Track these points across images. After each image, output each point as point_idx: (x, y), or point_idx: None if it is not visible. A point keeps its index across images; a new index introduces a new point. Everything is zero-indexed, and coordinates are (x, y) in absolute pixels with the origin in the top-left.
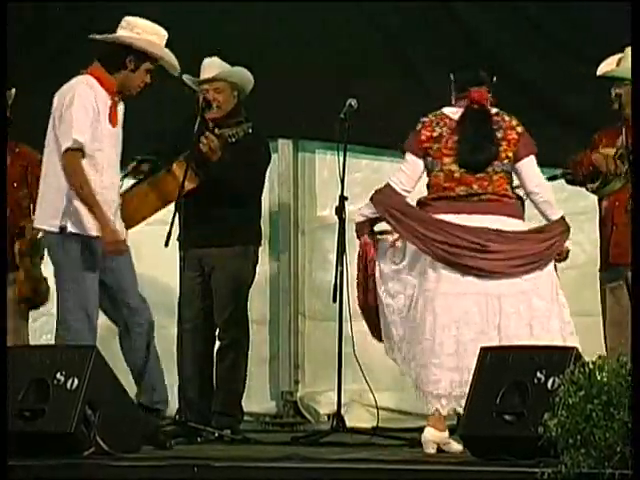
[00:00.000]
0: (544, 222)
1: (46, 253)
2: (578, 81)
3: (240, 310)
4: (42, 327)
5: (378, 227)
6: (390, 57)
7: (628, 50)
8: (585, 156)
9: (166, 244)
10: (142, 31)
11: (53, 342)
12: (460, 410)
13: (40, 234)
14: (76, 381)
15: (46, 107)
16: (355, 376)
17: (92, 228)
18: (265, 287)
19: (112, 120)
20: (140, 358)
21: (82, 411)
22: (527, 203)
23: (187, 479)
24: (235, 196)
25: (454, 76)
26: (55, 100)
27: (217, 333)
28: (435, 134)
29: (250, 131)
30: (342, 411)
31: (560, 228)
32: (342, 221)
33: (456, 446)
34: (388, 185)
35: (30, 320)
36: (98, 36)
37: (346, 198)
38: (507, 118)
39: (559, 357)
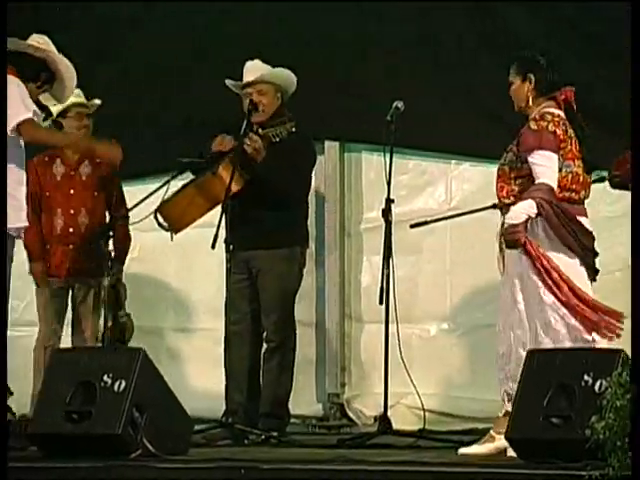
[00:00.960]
0: None
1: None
2: (618, 82)
3: (287, 312)
4: None
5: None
6: (436, 59)
7: None
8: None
9: (213, 246)
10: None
11: None
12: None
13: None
14: (123, 383)
15: None
16: (401, 378)
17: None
18: (312, 289)
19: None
20: None
21: (129, 413)
22: None
23: None
24: (280, 197)
25: (539, 75)
26: None
27: (264, 335)
28: (567, 135)
29: (293, 130)
30: (388, 413)
31: None
32: (389, 223)
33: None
34: (544, 184)
35: None
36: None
37: (392, 200)
38: None
39: (606, 359)
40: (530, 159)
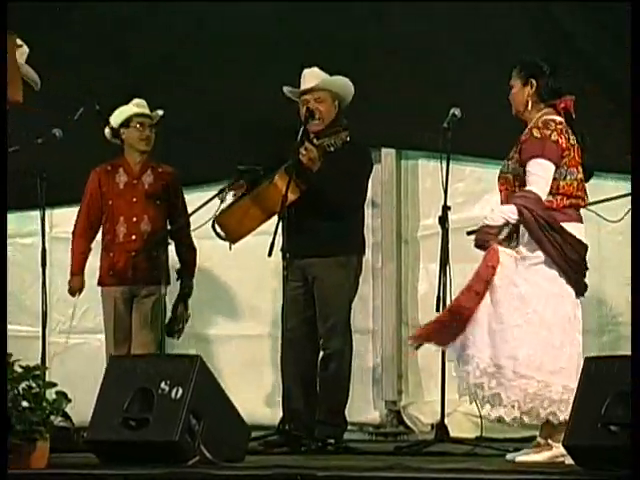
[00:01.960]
0: None
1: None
2: None
3: (343, 319)
4: None
5: None
6: (495, 65)
7: None
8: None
9: (269, 254)
10: None
11: None
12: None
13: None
14: (180, 390)
15: None
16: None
17: None
18: (368, 297)
19: None
20: None
21: (186, 420)
22: None
23: None
24: (336, 206)
25: (541, 81)
26: None
27: (320, 342)
28: (570, 143)
29: (348, 139)
30: (445, 420)
31: None
32: (445, 230)
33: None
34: (532, 192)
35: None
36: None
37: (449, 207)
38: None
39: None
40: (527, 167)
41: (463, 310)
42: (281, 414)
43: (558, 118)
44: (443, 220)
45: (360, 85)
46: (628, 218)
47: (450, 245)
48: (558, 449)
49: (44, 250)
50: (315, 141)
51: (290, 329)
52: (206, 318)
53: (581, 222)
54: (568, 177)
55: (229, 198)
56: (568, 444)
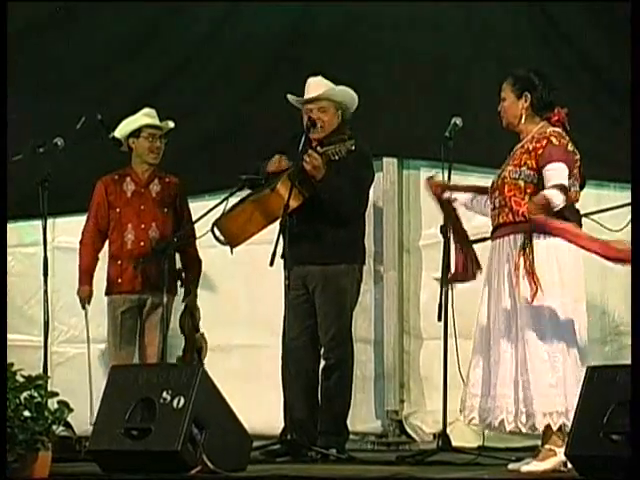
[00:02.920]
0: None
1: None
2: None
3: (345, 329)
4: None
5: None
6: (496, 75)
7: None
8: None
9: (271, 263)
10: None
11: None
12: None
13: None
14: (182, 400)
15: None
16: (460, 395)
17: None
18: (370, 306)
19: None
20: None
21: (188, 430)
22: None
23: None
24: (339, 214)
25: (536, 94)
26: None
27: (322, 352)
28: (577, 156)
29: (353, 148)
30: (447, 430)
31: None
32: (447, 240)
33: None
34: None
35: None
36: None
37: None
38: None
39: None
40: (549, 169)
41: None
42: (283, 424)
43: (559, 130)
44: (445, 229)
45: (363, 94)
46: (630, 227)
47: (451, 254)
48: (562, 455)
49: (46, 259)
50: (319, 149)
51: (292, 338)
52: (208, 327)
53: None
54: (572, 188)
55: (230, 204)
56: (570, 453)
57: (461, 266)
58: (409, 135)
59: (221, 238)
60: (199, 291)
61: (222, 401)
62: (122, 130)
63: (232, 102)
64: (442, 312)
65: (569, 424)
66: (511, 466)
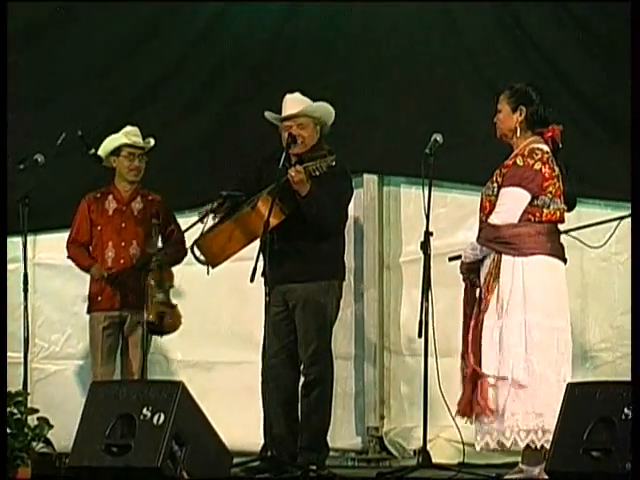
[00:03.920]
0: None
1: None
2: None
3: (325, 345)
4: None
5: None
6: (476, 92)
7: None
8: None
9: (251, 280)
10: None
11: None
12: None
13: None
14: (162, 416)
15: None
16: (440, 412)
17: None
18: (350, 322)
19: None
20: None
21: (169, 446)
22: None
23: None
24: (319, 231)
25: (531, 109)
26: None
27: (302, 368)
28: (555, 173)
29: (333, 164)
30: (428, 447)
31: None
32: (427, 256)
33: None
34: (492, 225)
35: None
36: None
37: (431, 233)
38: None
39: None
40: (500, 192)
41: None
42: (263, 440)
43: (545, 147)
44: (425, 246)
45: (343, 110)
46: (610, 244)
47: (432, 270)
48: (542, 474)
49: (26, 276)
50: (298, 167)
51: (271, 355)
52: (188, 344)
53: (554, 255)
54: (552, 206)
55: (210, 222)
56: (550, 469)
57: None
58: (389, 151)
59: (201, 258)
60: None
61: (202, 418)
62: (104, 148)
63: (211, 118)
64: (422, 329)
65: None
66: None
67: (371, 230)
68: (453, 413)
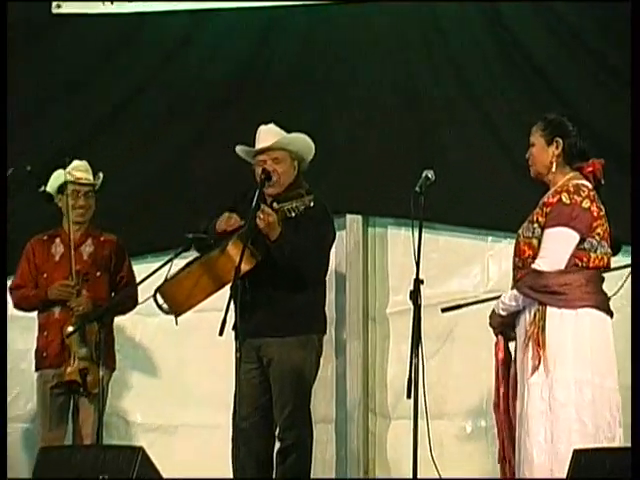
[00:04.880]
0: None
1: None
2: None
3: (303, 407)
4: None
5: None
6: (469, 125)
7: None
8: None
9: (220, 333)
10: None
11: None
12: None
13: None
14: None
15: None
16: None
17: None
18: (331, 380)
19: None
20: None
21: None
22: None
23: None
24: (296, 278)
25: (568, 141)
26: None
27: (277, 433)
28: (602, 212)
29: (312, 205)
30: None
31: None
32: (417, 307)
33: None
34: (537, 271)
35: None
36: None
37: (422, 281)
38: None
39: None
40: (545, 234)
41: None
42: None
43: (587, 184)
44: (415, 295)
45: (323, 145)
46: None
47: (423, 323)
48: None
49: None
50: (275, 205)
51: (243, 417)
52: (149, 405)
53: (603, 308)
54: (599, 250)
55: (175, 268)
56: None
57: None
58: (375, 190)
59: (164, 306)
60: (142, 365)
61: None
62: (51, 185)
63: (174, 152)
64: (412, 387)
65: None
66: None
67: (355, 277)
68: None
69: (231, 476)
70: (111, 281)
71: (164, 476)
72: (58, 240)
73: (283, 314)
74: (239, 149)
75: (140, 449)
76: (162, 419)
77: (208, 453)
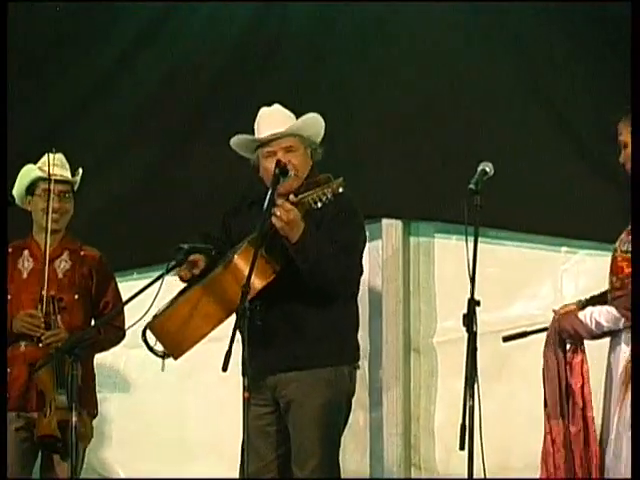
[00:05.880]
0: None
1: None
2: None
3: (330, 460)
4: None
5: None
6: (527, 117)
7: None
8: None
9: (224, 368)
10: None
11: None
12: None
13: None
14: None
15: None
16: None
17: None
18: (364, 428)
19: None
20: None
21: None
22: None
23: None
24: (322, 295)
25: None
26: None
27: None
28: None
29: (340, 190)
30: None
31: None
32: (473, 335)
33: None
34: None
35: None
36: None
37: (478, 303)
38: None
39: None
40: None
41: None
42: None
43: None
44: (469, 320)
45: (354, 140)
46: None
47: (479, 355)
48: None
49: None
50: (292, 198)
51: (254, 472)
52: (132, 458)
53: None
54: None
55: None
56: None
57: None
58: (417, 191)
59: (157, 349)
60: (127, 408)
61: None
62: (17, 187)
63: (162, 155)
64: (466, 437)
65: None
66: None
67: (393, 297)
68: None
69: None
70: (92, 307)
71: None
72: (27, 253)
73: (305, 340)
74: (236, 141)
75: None
76: (148, 474)
77: None
